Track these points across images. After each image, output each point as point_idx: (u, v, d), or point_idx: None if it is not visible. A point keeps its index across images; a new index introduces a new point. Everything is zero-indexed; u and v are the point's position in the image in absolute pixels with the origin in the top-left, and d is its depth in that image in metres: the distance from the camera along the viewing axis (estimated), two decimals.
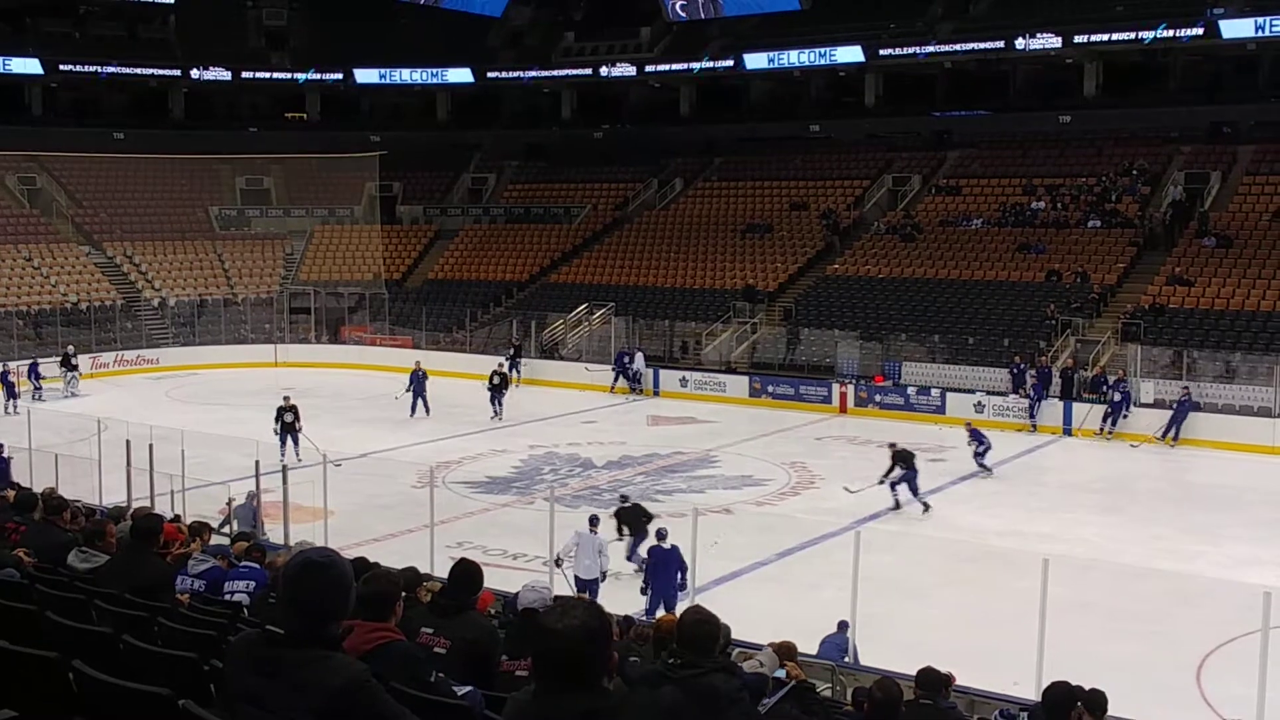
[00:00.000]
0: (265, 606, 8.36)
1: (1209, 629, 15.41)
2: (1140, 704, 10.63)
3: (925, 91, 48.65)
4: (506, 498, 23.63)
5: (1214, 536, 20.82)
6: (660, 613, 14.26)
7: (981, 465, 25.14)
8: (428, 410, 32.34)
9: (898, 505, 22.02)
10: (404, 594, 7.63)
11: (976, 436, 25.48)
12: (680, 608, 13.05)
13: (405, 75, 54.73)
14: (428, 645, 6.05)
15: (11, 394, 32.89)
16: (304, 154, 51.14)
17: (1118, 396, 29.67)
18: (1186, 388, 29.87)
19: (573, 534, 16.59)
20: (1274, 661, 11.53)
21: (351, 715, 3.45)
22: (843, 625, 13.84)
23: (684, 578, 15.45)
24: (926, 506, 21.86)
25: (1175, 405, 29.46)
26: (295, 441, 25.73)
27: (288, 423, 26.12)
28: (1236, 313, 33.03)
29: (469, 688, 5.52)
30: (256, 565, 10.01)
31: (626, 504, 18.58)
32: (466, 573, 6.56)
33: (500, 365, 33.78)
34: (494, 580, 11.02)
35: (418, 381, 32.61)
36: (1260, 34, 39.66)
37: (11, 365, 34.35)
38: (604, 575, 16.51)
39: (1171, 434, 28.89)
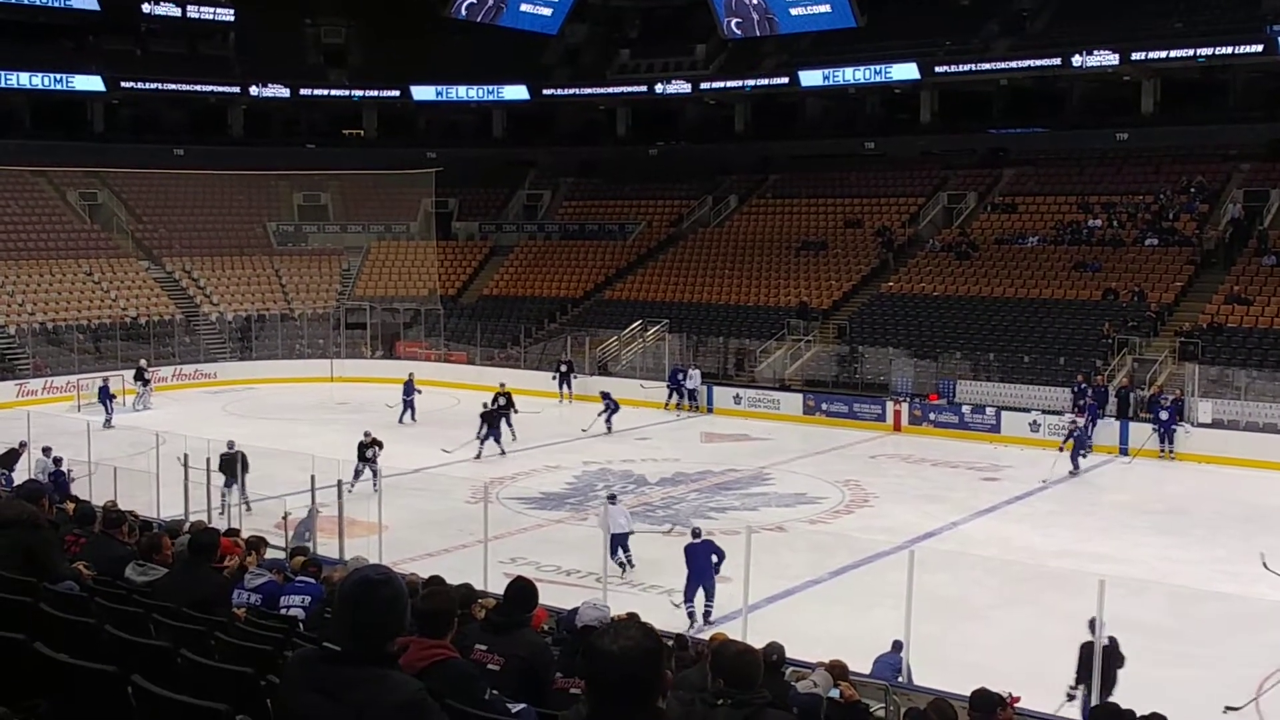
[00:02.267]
0: (321, 621, 8.44)
1: (1270, 653, 15.17)
2: None
3: (981, 108, 48.33)
4: (560, 514, 23.67)
5: (1275, 560, 20.45)
6: (699, 598, 16.60)
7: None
8: (414, 418, 33.87)
9: None
10: (459, 611, 7.69)
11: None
12: (724, 629, 13.02)
13: (461, 92, 55.16)
14: (482, 663, 6.07)
15: (109, 408, 33.43)
16: (361, 170, 51.68)
17: (1165, 415, 29.32)
18: (1175, 394, 29.62)
19: (601, 510, 19.17)
20: None
21: None
22: (897, 645, 13.74)
23: (719, 563, 16.67)
24: None
25: (1166, 414, 29.19)
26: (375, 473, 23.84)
27: (368, 458, 25.07)
28: None
29: (523, 705, 5.54)
30: (312, 580, 10.10)
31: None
32: (522, 590, 6.59)
33: (502, 385, 32.80)
34: (547, 597, 11.07)
35: (409, 391, 34.45)
36: None
37: (111, 378, 35.15)
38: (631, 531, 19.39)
39: (1166, 446, 29.04)
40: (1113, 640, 12.62)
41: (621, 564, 18.91)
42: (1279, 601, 16.42)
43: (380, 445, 24.70)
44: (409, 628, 4.75)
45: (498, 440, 29.53)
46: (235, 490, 21.42)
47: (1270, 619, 16.20)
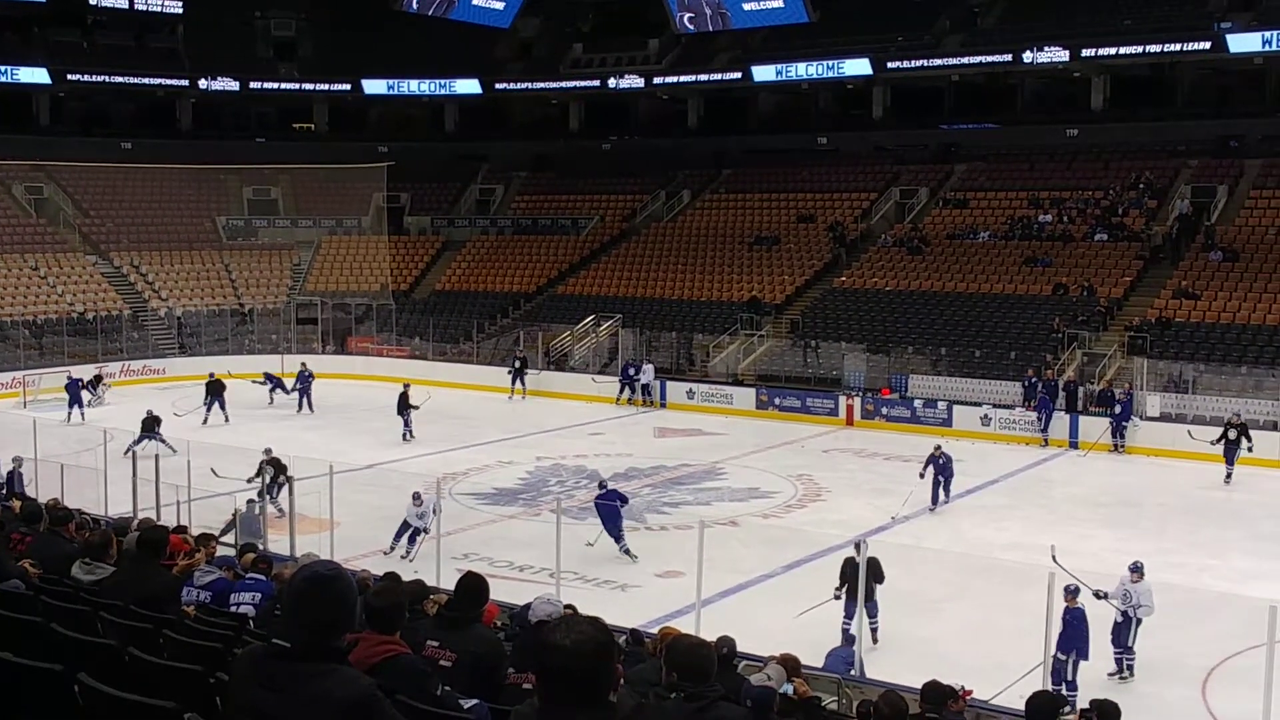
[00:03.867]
0: (271, 618, 8.36)
1: (1215, 643, 15.39)
2: (1146, 717, 10.59)
3: (933, 104, 48.64)
4: (513, 509, 23.63)
5: (1221, 550, 20.77)
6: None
7: None
8: (311, 409, 34.41)
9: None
10: (411, 607, 7.65)
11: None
12: (677, 623, 13.04)
13: (413, 86, 54.82)
14: (434, 658, 6.04)
15: (78, 402, 33.13)
16: (311, 164, 51.24)
17: (1118, 409, 29.69)
18: (1127, 386, 30.03)
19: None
20: None
21: None
22: (849, 639, 13.84)
23: (625, 506, 19.98)
24: None
25: (1119, 407, 29.58)
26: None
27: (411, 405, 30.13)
28: (1243, 326, 32.98)
29: (475, 701, 5.52)
30: (262, 577, 10.02)
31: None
32: (473, 586, 6.56)
33: (406, 386, 31.99)
34: (500, 592, 11.05)
35: (304, 380, 34.99)
36: (1267, 48, 39.57)
37: (76, 373, 34.86)
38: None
39: (1118, 440, 29.48)
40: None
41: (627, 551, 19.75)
42: (1225, 592, 16.66)
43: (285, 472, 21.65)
44: (360, 624, 4.73)
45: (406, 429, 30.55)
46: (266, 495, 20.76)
47: (1216, 609, 16.43)
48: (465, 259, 49.60)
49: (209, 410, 32.44)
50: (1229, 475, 26.19)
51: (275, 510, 20.71)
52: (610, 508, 19.83)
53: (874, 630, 15.70)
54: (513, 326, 42.80)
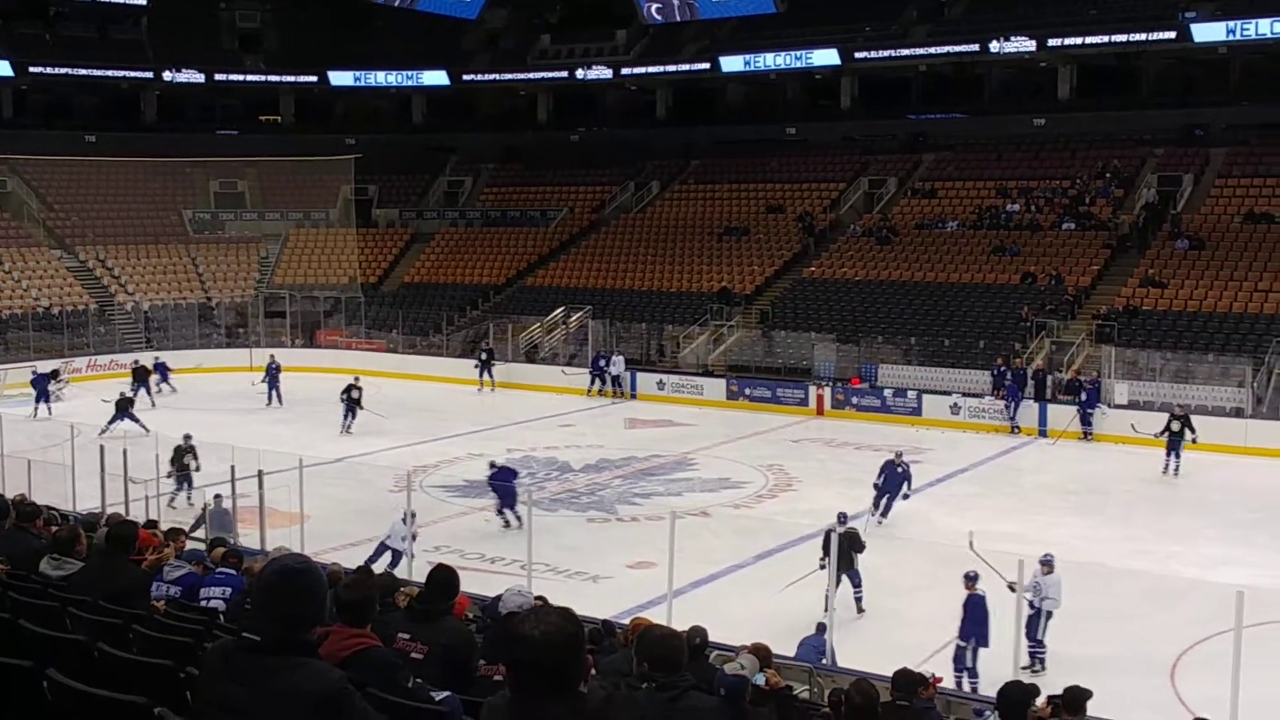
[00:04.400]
0: (241, 613, 8.33)
1: (1183, 629, 15.53)
2: (1115, 704, 10.68)
3: (901, 94, 48.79)
4: (484, 501, 23.56)
5: (1188, 537, 20.96)
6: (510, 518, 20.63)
7: None
8: (280, 401, 34.48)
9: None
10: (380, 599, 7.63)
11: None
12: (649, 614, 13.06)
13: (380, 78, 54.58)
14: (405, 651, 6.03)
15: (44, 397, 32.97)
16: (279, 157, 50.91)
17: (1084, 396, 29.89)
18: (1096, 375, 30.30)
19: None
20: (1247, 661, 11.62)
21: None
22: (820, 627, 13.89)
23: (516, 478, 21.44)
24: None
25: (1085, 395, 29.80)
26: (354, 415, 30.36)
27: (354, 399, 30.55)
28: (1209, 314, 33.26)
29: (447, 693, 5.51)
30: (233, 572, 9.96)
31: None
32: (443, 578, 6.56)
33: (355, 380, 31.99)
34: (471, 584, 11.02)
35: (271, 374, 34.93)
36: (1231, 38, 39.94)
37: (42, 368, 34.84)
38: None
39: (1086, 428, 29.58)
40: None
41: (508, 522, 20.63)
42: (1192, 579, 16.81)
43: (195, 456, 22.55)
44: (330, 617, 4.71)
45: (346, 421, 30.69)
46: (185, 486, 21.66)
47: (1184, 595, 16.58)
48: (434, 251, 49.43)
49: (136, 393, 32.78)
50: (1176, 469, 25.75)
51: (186, 499, 21.18)
52: (508, 487, 20.95)
53: (858, 600, 16.58)
54: (482, 318, 42.70)
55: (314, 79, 54.43)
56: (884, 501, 21.29)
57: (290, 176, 51.70)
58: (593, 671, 7.41)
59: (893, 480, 21.13)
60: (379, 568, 17.41)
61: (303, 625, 3.54)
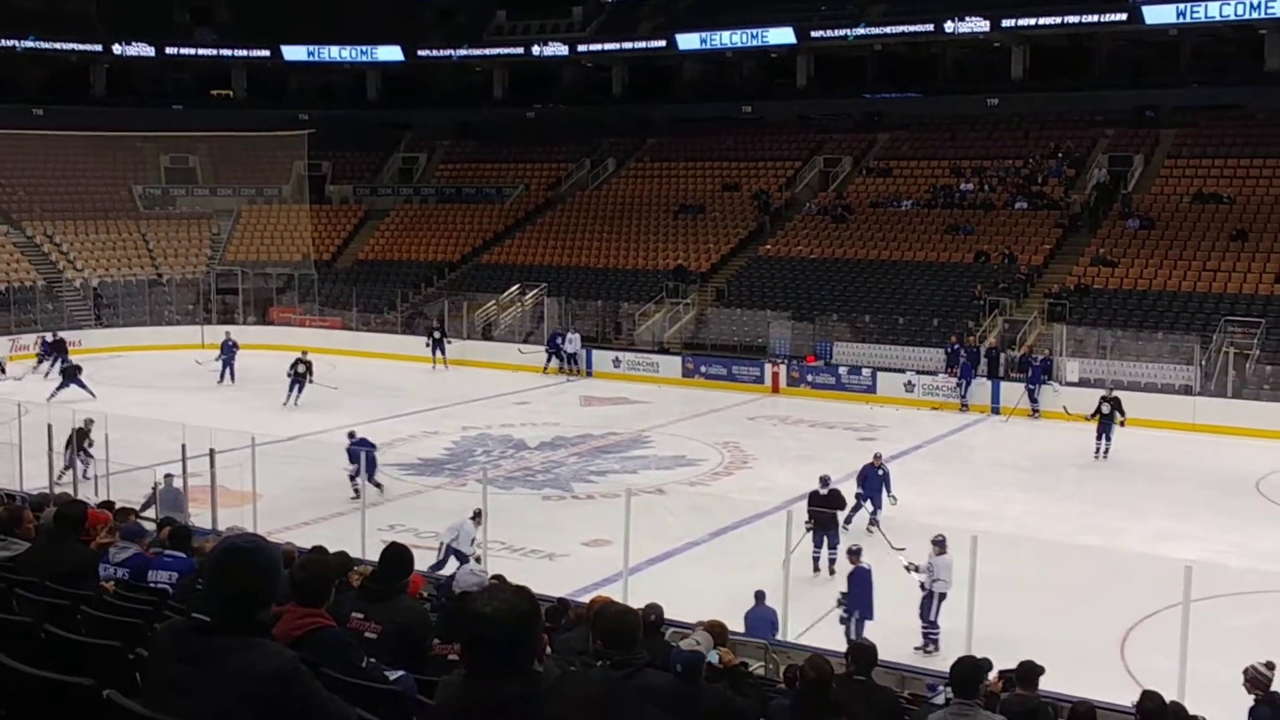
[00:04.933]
0: (191, 593, 8.23)
1: (1133, 603, 15.73)
2: (1066, 677, 10.79)
3: (856, 73, 48.90)
4: (439, 480, 23.51)
5: (1138, 512, 21.23)
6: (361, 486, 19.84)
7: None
8: (233, 379, 34.26)
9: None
10: (336, 579, 7.56)
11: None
12: (605, 591, 13.07)
13: (334, 53, 54.04)
14: (358, 630, 5.99)
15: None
16: (230, 132, 50.32)
17: (1030, 373, 30.18)
18: (1047, 352, 30.69)
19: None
20: (1194, 634, 11.81)
21: (280, 703, 3.40)
22: (759, 595, 13.96)
23: (374, 450, 21.16)
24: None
25: (1031, 371, 30.04)
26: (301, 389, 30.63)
27: (300, 373, 30.76)
28: (1158, 293, 33.62)
29: (401, 672, 5.48)
30: (181, 554, 9.84)
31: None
32: (397, 556, 6.50)
33: (304, 354, 32.00)
34: (426, 563, 11.03)
35: (228, 351, 34.71)
36: (1181, 20, 40.34)
37: None
38: None
39: (1034, 405, 29.79)
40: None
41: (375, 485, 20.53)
42: (1142, 553, 17.02)
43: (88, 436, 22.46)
44: (284, 597, 4.66)
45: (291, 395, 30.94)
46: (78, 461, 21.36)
47: (1133, 570, 16.77)
48: (388, 228, 49.10)
49: (49, 365, 33.58)
50: (1106, 451, 25.44)
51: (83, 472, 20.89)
52: (370, 454, 21.01)
53: (832, 561, 17.18)
54: (437, 296, 42.49)
55: (267, 53, 53.82)
56: (868, 507, 19.49)
57: (242, 152, 51.09)
58: (548, 650, 7.41)
59: (873, 483, 19.59)
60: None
61: (253, 605, 3.50)
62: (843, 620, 14.08)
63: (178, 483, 18.52)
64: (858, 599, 14.16)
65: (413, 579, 7.52)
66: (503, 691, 3.16)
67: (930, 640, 14.57)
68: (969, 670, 7.15)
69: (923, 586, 14.62)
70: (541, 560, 18.00)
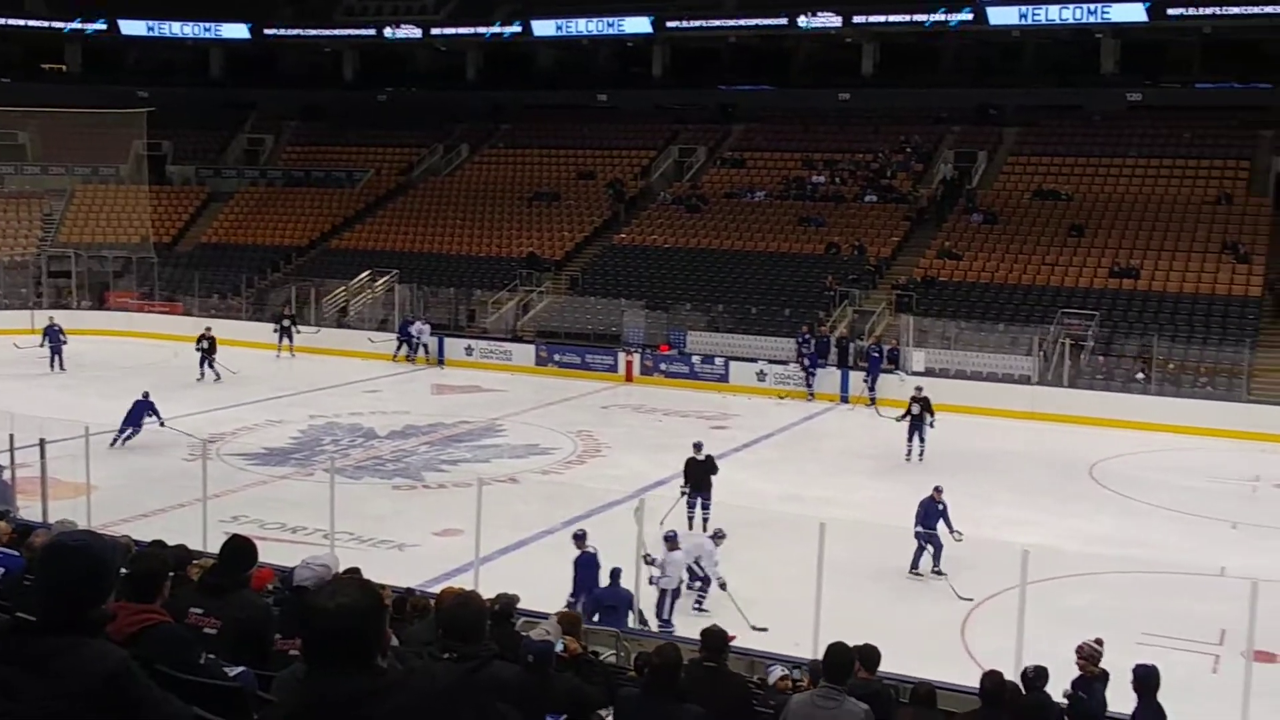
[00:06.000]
0: (19, 591, 7.84)
1: (974, 587, 16.17)
2: (910, 659, 11.01)
3: (711, 65, 49.27)
4: (285, 469, 22.96)
5: (981, 499, 21.74)
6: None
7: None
8: (63, 366, 33.08)
9: None
10: (172, 573, 7.27)
11: None
12: (457, 582, 12.92)
13: (176, 28, 52.31)
14: (197, 626, 5.77)
15: None
16: (63, 108, 48.21)
17: (869, 363, 30.85)
18: (894, 343, 31.28)
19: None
20: (1032, 615, 12.19)
21: (111, 704, 3.24)
22: (615, 574, 13.96)
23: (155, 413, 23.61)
24: None
25: (869, 362, 30.74)
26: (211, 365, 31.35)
27: (204, 349, 31.51)
28: (1000, 285, 34.65)
29: (242, 669, 5.29)
30: (14, 551, 9.40)
31: None
32: (238, 549, 6.28)
33: (207, 329, 33.07)
34: (273, 555, 10.68)
35: (53, 337, 33.54)
36: (1024, 21, 41.75)
37: None
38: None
39: (872, 394, 30.34)
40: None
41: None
42: (983, 538, 17.45)
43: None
44: (116, 593, 4.43)
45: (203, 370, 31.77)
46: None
47: (975, 555, 17.19)
48: (233, 210, 47.78)
49: None
50: (921, 453, 24.79)
51: None
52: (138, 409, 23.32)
53: (705, 520, 18.51)
54: (284, 281, 41.50)
55: (102, 26, 51.83)
56: (931, 550, 17.41)
57: (76, 129, 48.95)
58: (395, 643, 7.24)
59: (932, 518, 17.66)
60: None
61: (82, 603, 3.33)
62: (570, 603, 13.93)
63: (5, 474, 17.71)
64: (582, 583, 14.24)
65: (259, 573, 7.29)
66: (344, 687, 3.05)
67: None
68: (841, 657, 7.19)
69: (652, 581, 14.70)
70: (391, 550, 17.71)
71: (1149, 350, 30.21)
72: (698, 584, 15.85)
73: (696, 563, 15.76)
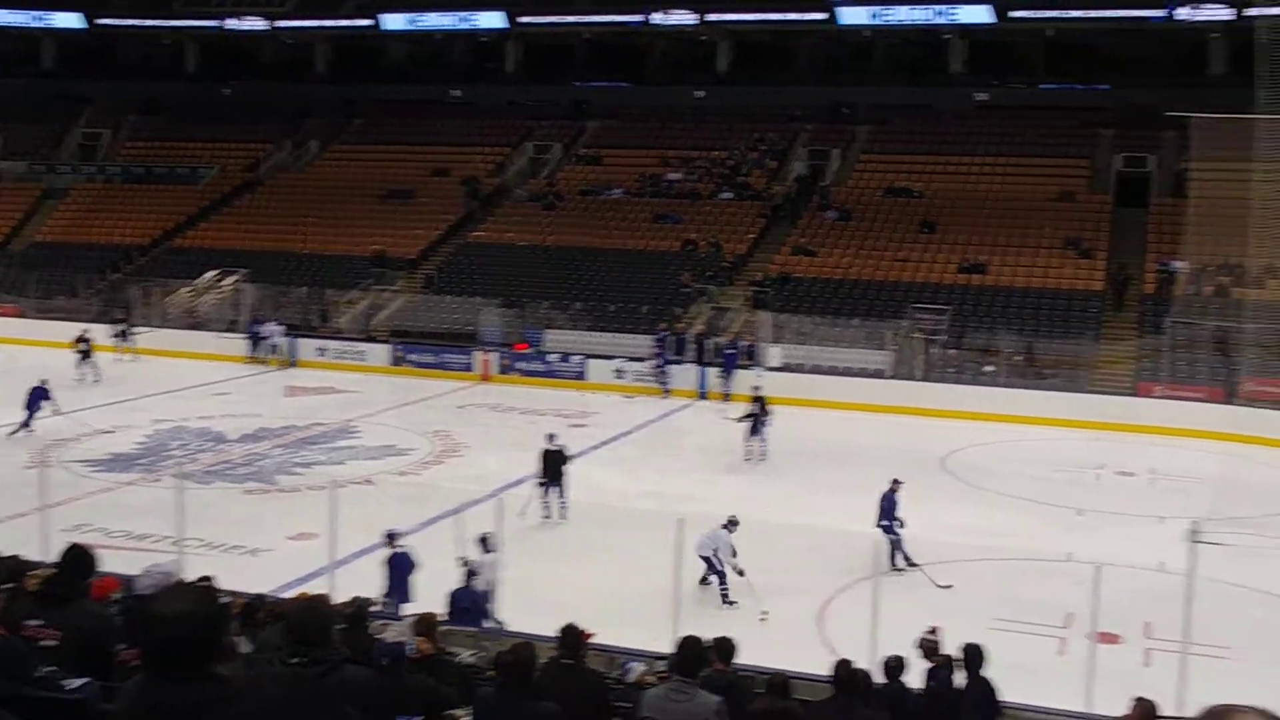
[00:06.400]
0: None
1: (831, 577, 16.42)
2: (768, 649, 11.09)
3: (566, 61, 49.17)
4: (130, 476, 22.18)
5: (835, 491, 22.10)
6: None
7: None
8: None
9: None
10: (10, 585, 6.93)
11: None
12: (311, 586, 12.65)
13: (3, 16, 50.12)
14: (34, 638, 5.53)
15: None
16: None
17: (723, 359, 31.15)
18: (750, 339, 31.63)
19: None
20: (886, 604, 12.42)
21: None
22: (470, 573, 13.79)
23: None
24: None
25: (722, 357, 31.03)
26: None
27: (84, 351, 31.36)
28: (855, 281, 35.26)
29: (84, 680, 5.08)
30: None
31: None
32: (77, 558, 6.03)
33: (85, 331, 32.45)
34: (118, 564, 10.23)
35: None
36: (875, 22, 42.60)
37: None
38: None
39: (725, 389, 30.52)
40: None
41: None
42: (839, 529, 17.73)
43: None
44: None
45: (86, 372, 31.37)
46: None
47: (837, 545, 17.45)
48: (69, 208, 46.05)
49: None
50: (763, 453, 24.56)
51: None
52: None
53: (563, 507, 19.52)
54: (125, 281, 40.10)
55: None
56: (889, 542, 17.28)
57: None
58: (245, 649, 7.02)
59: (889, 511, 17.69)
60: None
61: None
62: (385, 601, 13.81)
63: None
64: (396, 584, 14.15)
65: (102, 582, 7.03)
66: (180, 696, 2.93)
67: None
68: (692, 651, 7.18)
69: (469, 580, 14.67)
70: (244, 556, 17.27)
71: (997, 343, 31.08)
72: (714, 577, 15.92)
73: (715, 554, 15.86)
